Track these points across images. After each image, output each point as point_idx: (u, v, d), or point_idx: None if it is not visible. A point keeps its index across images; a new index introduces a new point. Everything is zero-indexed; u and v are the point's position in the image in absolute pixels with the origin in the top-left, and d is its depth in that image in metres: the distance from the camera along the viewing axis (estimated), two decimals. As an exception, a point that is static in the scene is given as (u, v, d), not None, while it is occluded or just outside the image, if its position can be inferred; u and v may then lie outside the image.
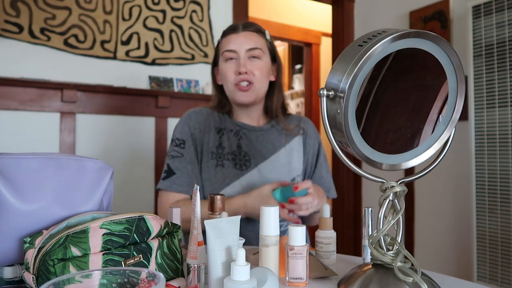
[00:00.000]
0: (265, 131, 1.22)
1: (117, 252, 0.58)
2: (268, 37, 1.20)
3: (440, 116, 0.66)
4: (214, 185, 1.13)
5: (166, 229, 0.66)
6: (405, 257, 0.65)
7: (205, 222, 0.62)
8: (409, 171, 2.25)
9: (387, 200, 0.66)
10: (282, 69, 1.25)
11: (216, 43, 1.25)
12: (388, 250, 0.66)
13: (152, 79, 2.11)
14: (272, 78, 1.22)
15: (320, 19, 4.09)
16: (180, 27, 2.22)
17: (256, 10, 3.63)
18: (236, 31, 1.16)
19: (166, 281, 0.61)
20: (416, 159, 0.67)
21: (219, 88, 1.24)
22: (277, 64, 1.23)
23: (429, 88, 0.65)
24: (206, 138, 1.18)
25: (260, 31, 1.18)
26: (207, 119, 1.21)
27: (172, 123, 2.16)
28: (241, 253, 0.57)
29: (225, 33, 1.19)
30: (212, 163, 1.15)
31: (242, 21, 1.21)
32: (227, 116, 1.24)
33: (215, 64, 1.24)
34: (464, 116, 2.07)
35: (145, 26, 2.11)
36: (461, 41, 2.17)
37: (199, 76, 2.27)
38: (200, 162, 1.17)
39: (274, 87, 1.24)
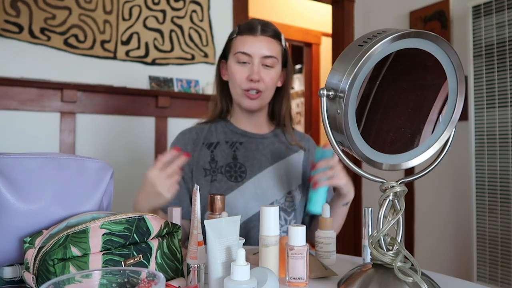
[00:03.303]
0: (266, 139, 1.18)
1: (117, 252, 0.58)
2: (283, 42, 1.15)
3: (440, 116, 0.66)
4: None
5: (166, 229, 0.66)
6: (405, 257, 0.65)
7: (205, 222, 0.62)
8: (409, 171, 2.25)
9: (387, 200, 0.66)
10: (292, 75, 1.20)
11: (227, 38, 1.18)
12: (388, 250, 0.66)
13: (152, 79, 2.11)
14: (279, 84, 1.17)
15: (320, 19, 4.09)
16: (180, 27, 2.22)
17: (256, 10, 3.63)
18: (254, 33, 1.10)
19: (166, 281, 0.61)
20: (416, 159, 0.67)
21: (222, 83, 1.19)
22: (287, 69, 1.18)
23: (429, 88, 0.65)
24: (196, 157, 1.14)
25: (277, 36, 1.13)
26: (196, 138, 1.17)
27: (172, 123, 2.16)
28: (241, 253, 0.57)
29: (242, 32, 1.12)
30: (207, 179, 1.12)
31: (259, 20, 1.14)
32: (223, 125, 1.19)
33: (222, 57, 1.18)
34: (464, 116, 2.07)
35: (145, 26, 2.11)
36: (461, 41, 2.17)
37: (199, 76, 2.27)
38: (191, 180, 1.14)
39: (281, 93, 1.19)
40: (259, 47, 1.09)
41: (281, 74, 1.18)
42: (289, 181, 1.15)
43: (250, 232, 1.09)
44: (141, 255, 0.60)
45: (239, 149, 1.16)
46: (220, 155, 1.14)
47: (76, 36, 1.92)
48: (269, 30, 1.12)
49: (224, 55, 1.18)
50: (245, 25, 1.13)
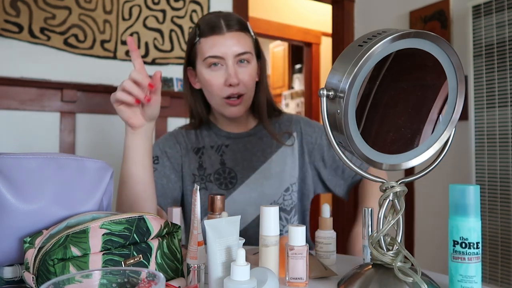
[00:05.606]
0: (253, 136, 1.10)
1: (117, 252, 0.58)
2: (251, 32, 1.05)
3: (440, 116, 0.66)
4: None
5: (166, 229, 0.66)
6: (405, 257, 0.65)
7: (205, 222, 0.62)
8: (409, 171, 2.25)
9: (387, 200, 0.66)
10: (266, 65, 1.10)
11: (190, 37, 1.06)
12: (388, 250, 0.66)
13: (152, 79, 2.11)
14: (256, 79, 1.07)
15: (320, 19, 4.09)
16: (180, 27, 2.21)
17: (256, 10, 3.63)
18: (220, 32, 0.98)
19: (166, 281, 0.61)
20: (416, 159, 0.67)
21: (194, 92, 1.09)
22: (261, 61, 1.08)
23: (429, 88, 0.65)
24: (186, 161, 1.08)
25: (244, 27, 1.02)
26: (184, 141, 1.10)
27: (172, 123, 2.16)
28: (241, 253, 0.57)
29: (204, 33, 1.00)
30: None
31: (218, 14, 1.02)
32: (207, 129, 1.11)
33: (188, 64, 1.07)
34: (464, 116, 2.07)
35: (145, 26, 2.11)
36: (461, 41, 2.17)
37: (199, 76, 2.26)
38: (182, 185, 1.09)
39: (257, 87, 1.09)
40: (229, 45, 0.98)
41: (257, 68, 1.08)
42: (286, 176, 1.09)
43: (250, 240, 1.00)
44: (141, 255, 0.60)
45: (226, 152, 1.08)
46: (207, 162, 1.08)
47: (76, 36, 1.92)
48: (234, 24, 1.00)
49: (190, 62, 1.07)
50: (206, 25, 1.01)
